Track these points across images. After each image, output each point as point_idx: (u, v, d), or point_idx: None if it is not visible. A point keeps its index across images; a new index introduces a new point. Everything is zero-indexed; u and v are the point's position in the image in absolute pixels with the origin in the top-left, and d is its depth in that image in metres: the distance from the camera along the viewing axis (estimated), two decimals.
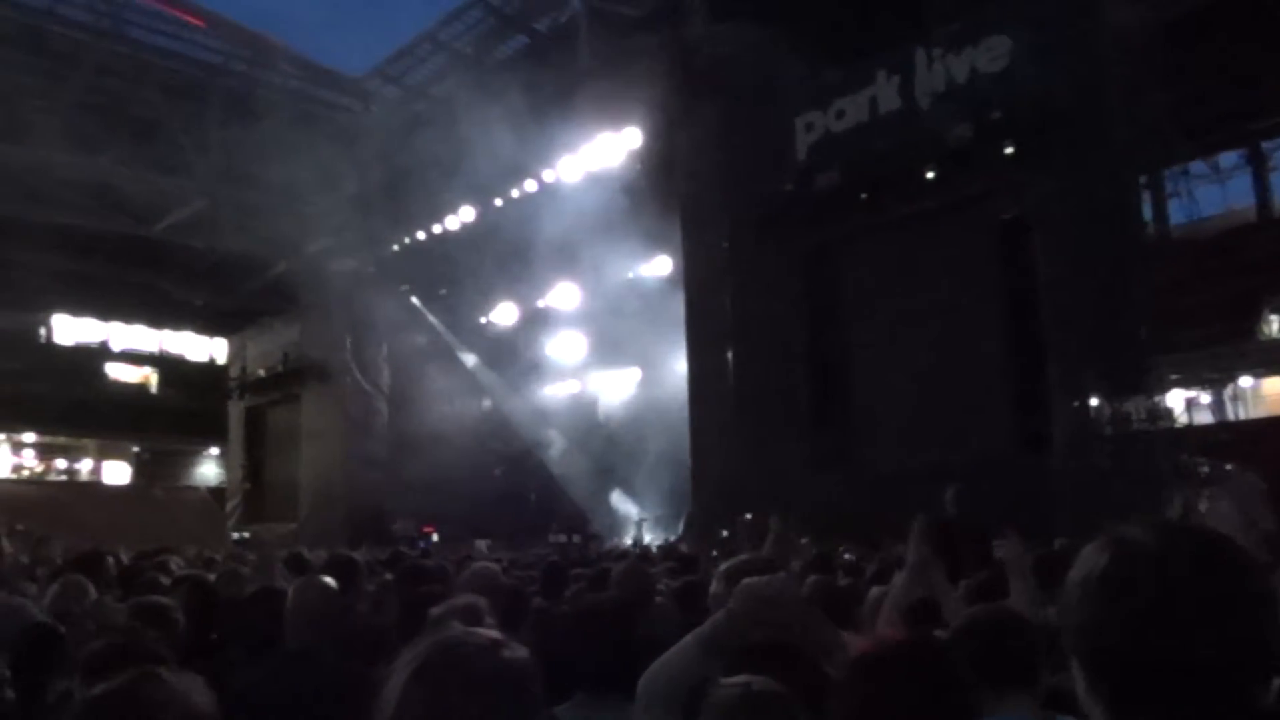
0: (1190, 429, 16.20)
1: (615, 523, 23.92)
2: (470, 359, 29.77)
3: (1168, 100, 14.85)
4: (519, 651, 1.43)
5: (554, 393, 26.58)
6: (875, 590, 4.60)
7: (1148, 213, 16.81)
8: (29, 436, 41.20)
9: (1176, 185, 19.06)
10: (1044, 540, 7.25)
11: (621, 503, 23.89)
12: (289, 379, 33.62)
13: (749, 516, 15.93)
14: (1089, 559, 1.19)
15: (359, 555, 6.21)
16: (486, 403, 29.56)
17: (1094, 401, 14.70)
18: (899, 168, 16.55)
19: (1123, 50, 14.32)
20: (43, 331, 41.29)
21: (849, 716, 1.84)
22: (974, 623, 2.62)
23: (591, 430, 25.06)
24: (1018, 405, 15.81)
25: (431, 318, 30.06)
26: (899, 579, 3.82)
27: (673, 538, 20.30)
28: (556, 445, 25.78)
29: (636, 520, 24.61)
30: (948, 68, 16.01)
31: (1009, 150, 15.41)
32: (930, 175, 16.36)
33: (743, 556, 3.50)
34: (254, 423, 36.66)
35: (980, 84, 15.57)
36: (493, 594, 3.87)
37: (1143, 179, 16.27)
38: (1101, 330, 14.18)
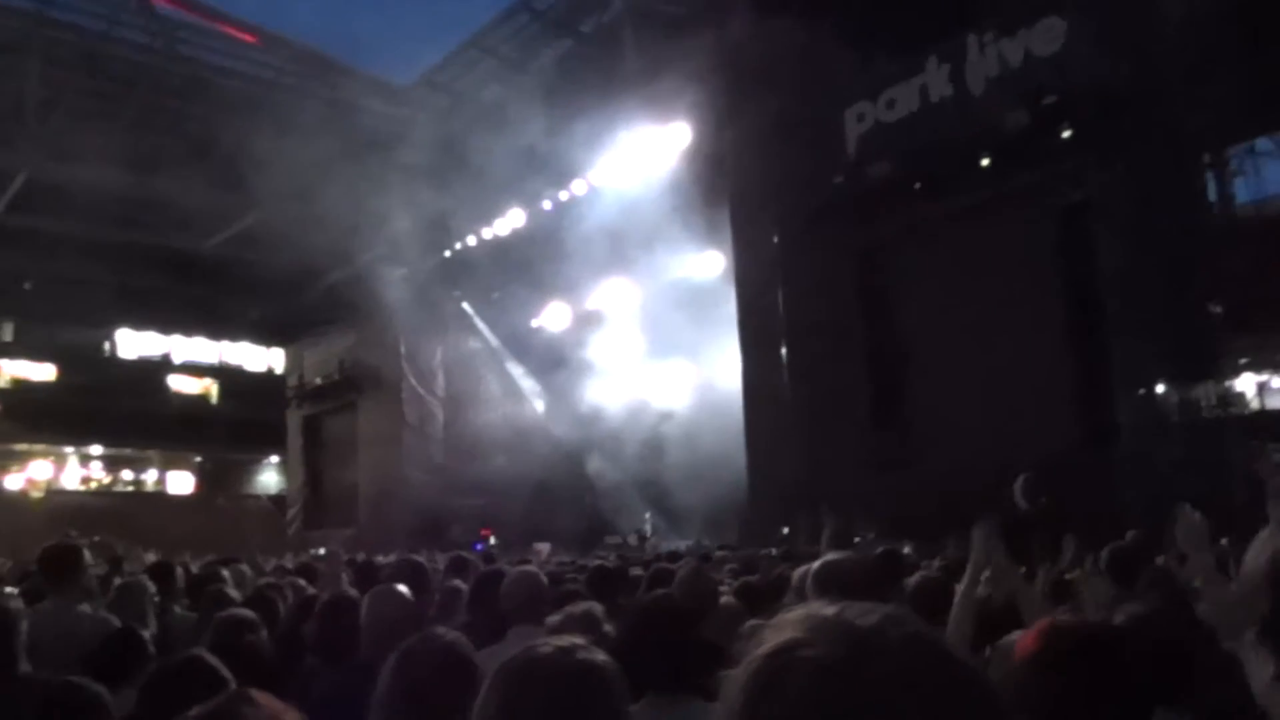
0: (1263, 414, 15.73)
1: (671, 524, 23.85)
2: (520, 364, 29.94)
3: (1232, 74, 14.41)
4: (595, 655, 1.51)
5: (607, 394, 26.59)
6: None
7: (1213, 193, 16.33)
8: (96, 449, 42.24)
9: (1242, 164, 18.50)
10: (1115, 534, 7.04)
11: (677, 504, 23.77)
12: (345, 387, 34.13)
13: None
14: (1270, 543, 1.13)
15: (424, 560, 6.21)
16: (541, 405, 29.68)
17: (1160, 389, 14.33)
18: (953, 157, 16.27)
19: (1183, 25, 13.92)
20: (107, 346, 42.34)
21: (1038, 703, 1.81)
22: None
23: (645, 431, 25.01)
24: (1082, 396, 15.46)
25: (481, 324, 30.28)
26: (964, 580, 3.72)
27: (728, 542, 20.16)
28: (611, 447, 25.76)
29: (647, 519, 24.58)
30: (1000, 52, 15.70)
31: (1066, 135, 15.08)
32: (985, 163, 16.06)
33: (830, 557, 3.39)
34: (312, 431, 37.28)
35: (1035, 68, 15.24)
36: (537, 597, 3.87)
37: (1206, 158, 15.81)
38: (1167, 315, 13.81)
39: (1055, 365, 15.71)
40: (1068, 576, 5.62)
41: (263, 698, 1.45)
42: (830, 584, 3.04)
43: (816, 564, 3.25)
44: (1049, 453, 14.18)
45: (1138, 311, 14.06)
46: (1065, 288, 15.90)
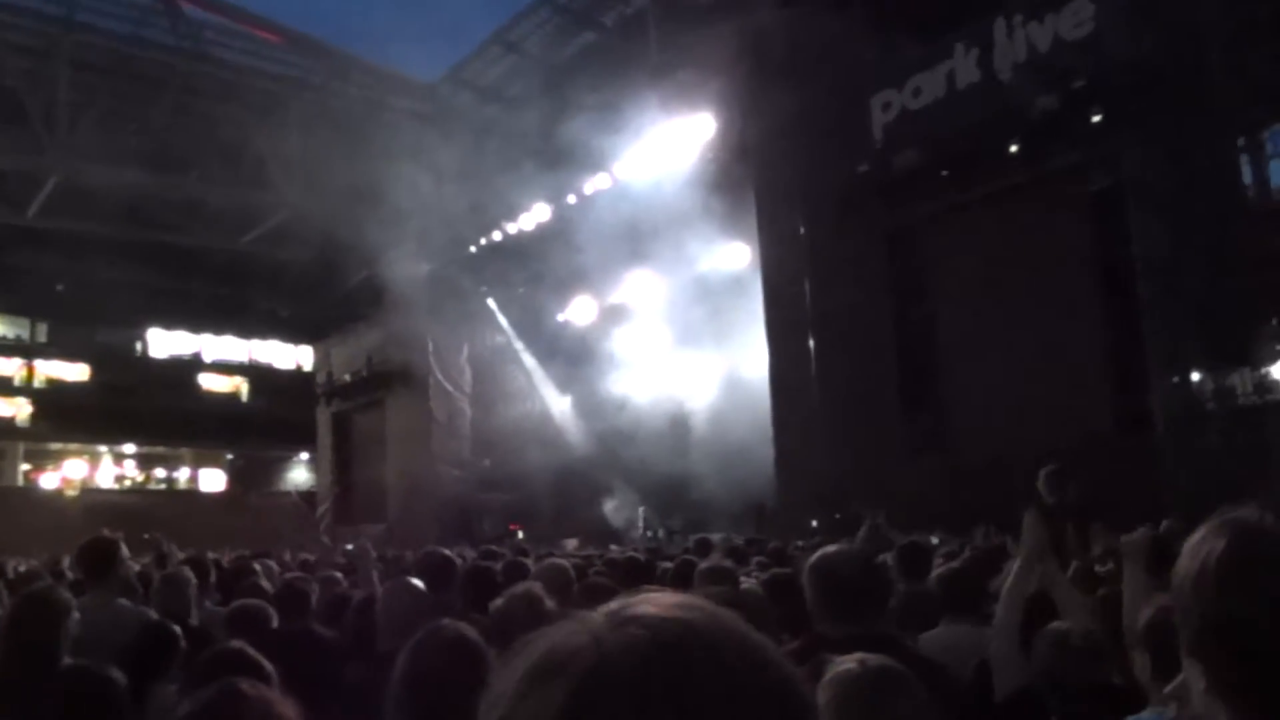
0: None
1: (699, 516, 23.78)
2: (546, 359, 29.94)
3: (1266, 55, 14.14)
4: None
5: (633, 387, 26.59)
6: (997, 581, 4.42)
7: (1248, 176, 16.05)
8: (129, 447, 42.76)
9: (1277, 145, 18.18)
10: (1150, 523, 6.92)
11: (703, 497, 23.73)
12: (373, 383, 34.32)
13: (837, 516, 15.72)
14: (1204, 545, 1.06)
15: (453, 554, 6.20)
16: (567, 400, 29.71)
17: (1196, 376, 14.10)
18: (981, 143, 16.08)
19: (1215, 4, 13.68)
20: (139, 346, 42.85)
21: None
22: None
23: (671, 424, 24.99)
24: (1116, 383, 15.27)
25: (507, 319, 30.31)
26: (1012, 569, 3.65)
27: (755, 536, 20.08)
28: (636, 440, 25.76)
29: (642, 511, 24.58)
30: (1029, 37, 15.47)
31: (1097, 119, 14.85)
32: (1014, 149, 15.86)
33: (827, 550, 3.30)
34: (341, 427, 37.53)
35: (1064, 52, 15.01)
36: (565, 588, 3.87)
37: (1241, 141, 15.54)
38: (1203, 300, 13.56)
39: (1088, 352, 15.53)
40: (1098, 569, 5.56)
41: (252, 689, 1.42)
42: (826, 578, 2.97)
43: (814, 556, 3.17)
44: (1082, 440, 14.04)
45: (1172, 297, 13.84)
46: (1098, 272, 15.70)
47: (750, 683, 0.62)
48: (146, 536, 7.08)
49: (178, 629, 3.74)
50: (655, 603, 0.66)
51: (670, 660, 0.61)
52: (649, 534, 22.79)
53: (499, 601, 3.05)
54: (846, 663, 1.93)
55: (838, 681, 1.88)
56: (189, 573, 5.09)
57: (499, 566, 5.22)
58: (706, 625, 0.64)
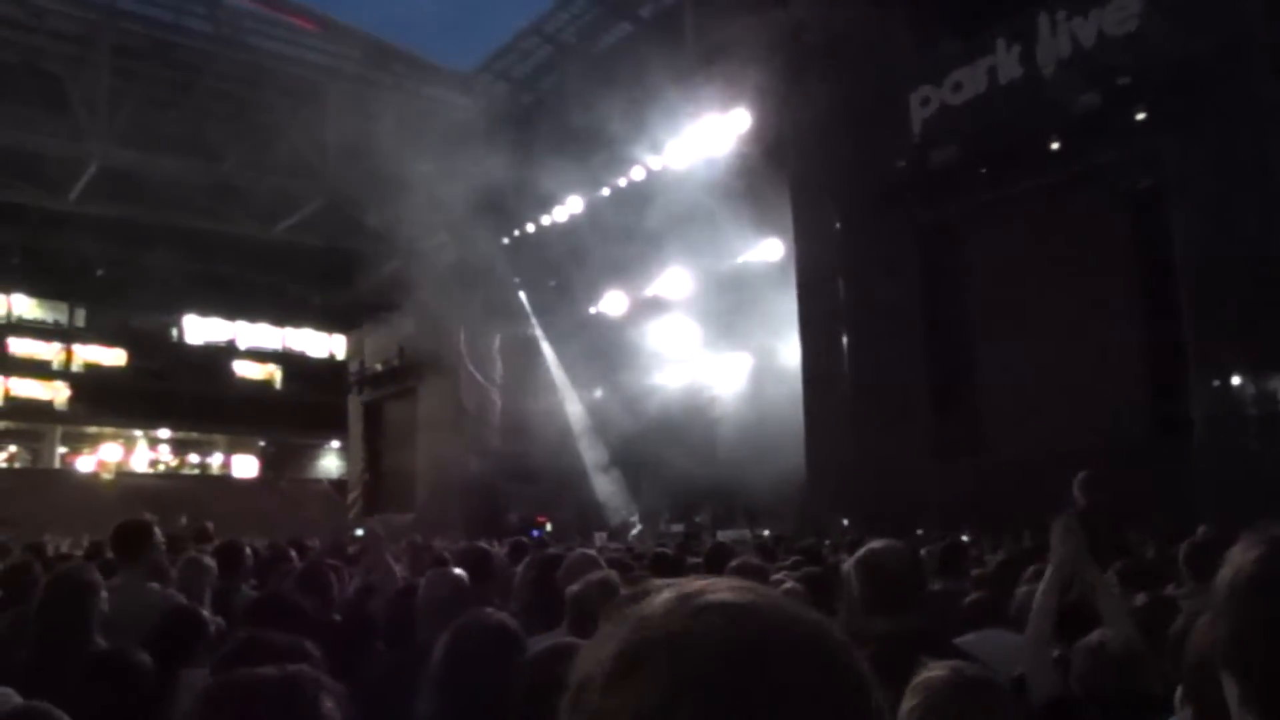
0: None
1: (727, 513, 23.73)
2: (577, 351, 29.95)
3: None
4: None
5: (664, 381, 26.55)
6: (1023, 590, 4.36)
7: None
8: (164, 432, 43.28)
9: None
10: (1188, 529, 6.82)
11: (732, 491, 23.67)
12: (405, 372, 34.54)
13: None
14: (1236, 559, 1.03)
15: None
16: (597, 393, 29.72)
17: (1236, 380, 13.87)
18: (1021, 140, 15.85)
19: (1262, 1, 13.43)
20: (174, 332, 43.35)
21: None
22: None
23: (702, 419, 24.94)
24: (1155, 386, 15.05)
25: (539, 311, 30.35)
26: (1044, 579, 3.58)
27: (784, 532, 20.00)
28: (667, 435, 25.73)
29: (627, 515, 24.52)
30: (1072, 32, 15.23)
31: (1140, 116, 14.61)
32: (1055, 146, 15.63)
33: (874, 545, 3.28)
34: (372, 416, 37.81)
35: (1108, 48, 14.77)
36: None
37: None
38: (1244, 302, 13.32)
39: (1126, 353, 15.31)
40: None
41: (305, 675, 1.38)
42: (873, 573, 2.98)
43: (861, 550, 3.17)
44: (1121, 442, 13.86)
45: (1213, 298, 13.62)
46: (1138, 273, 15.48)
47: (832, 674, 0.64)
48: (184, 522, 7.11)
49: (205, 614, 3.76)
50: (726, 588, 0.67)
51: (756, 647, 0.62)
52: (633, 533, 22.85)
53: (575, 587, 3.05)
54: (938, 668, 1.95)
55: (924, 687, 1.89)
56: (208, 559, 5.12)
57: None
58: (781, 615, 0.66)
